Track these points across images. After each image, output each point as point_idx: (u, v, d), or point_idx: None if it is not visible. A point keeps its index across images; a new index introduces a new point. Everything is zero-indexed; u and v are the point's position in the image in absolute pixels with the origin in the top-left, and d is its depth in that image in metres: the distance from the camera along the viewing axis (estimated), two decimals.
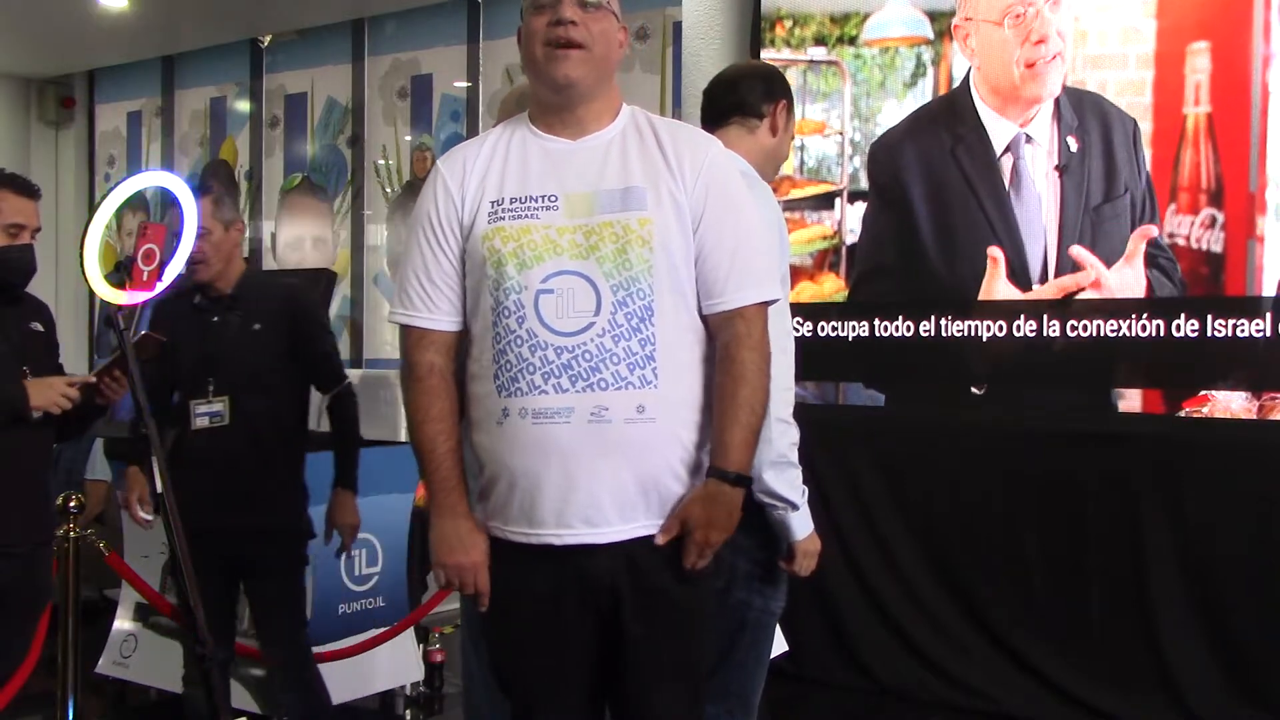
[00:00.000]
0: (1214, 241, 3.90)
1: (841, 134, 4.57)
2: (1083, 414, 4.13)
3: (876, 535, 4.45)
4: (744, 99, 2.47)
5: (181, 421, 3.08)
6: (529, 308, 1.93)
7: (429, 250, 2.02)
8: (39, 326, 2.88)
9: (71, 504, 3.31)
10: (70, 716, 3.39)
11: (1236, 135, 3.87)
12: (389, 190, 7.37)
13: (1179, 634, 3.93)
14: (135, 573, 3.68)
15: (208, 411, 3.05)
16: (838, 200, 4.56)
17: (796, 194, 4.61)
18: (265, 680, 3.16)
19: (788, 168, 4.53)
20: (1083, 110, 4.11)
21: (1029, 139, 4.19)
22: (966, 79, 4.32)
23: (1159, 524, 3.98)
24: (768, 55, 4.65)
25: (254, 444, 3.08)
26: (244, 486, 3.06)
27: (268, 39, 7.94)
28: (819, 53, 4.58)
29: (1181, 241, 3.95)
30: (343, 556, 3.97)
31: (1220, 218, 3.89)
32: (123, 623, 4.31)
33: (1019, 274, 4.19)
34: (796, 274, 4.53)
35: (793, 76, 4.57)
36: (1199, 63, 3.92)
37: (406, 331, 2.05)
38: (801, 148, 4.61)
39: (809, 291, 4.55)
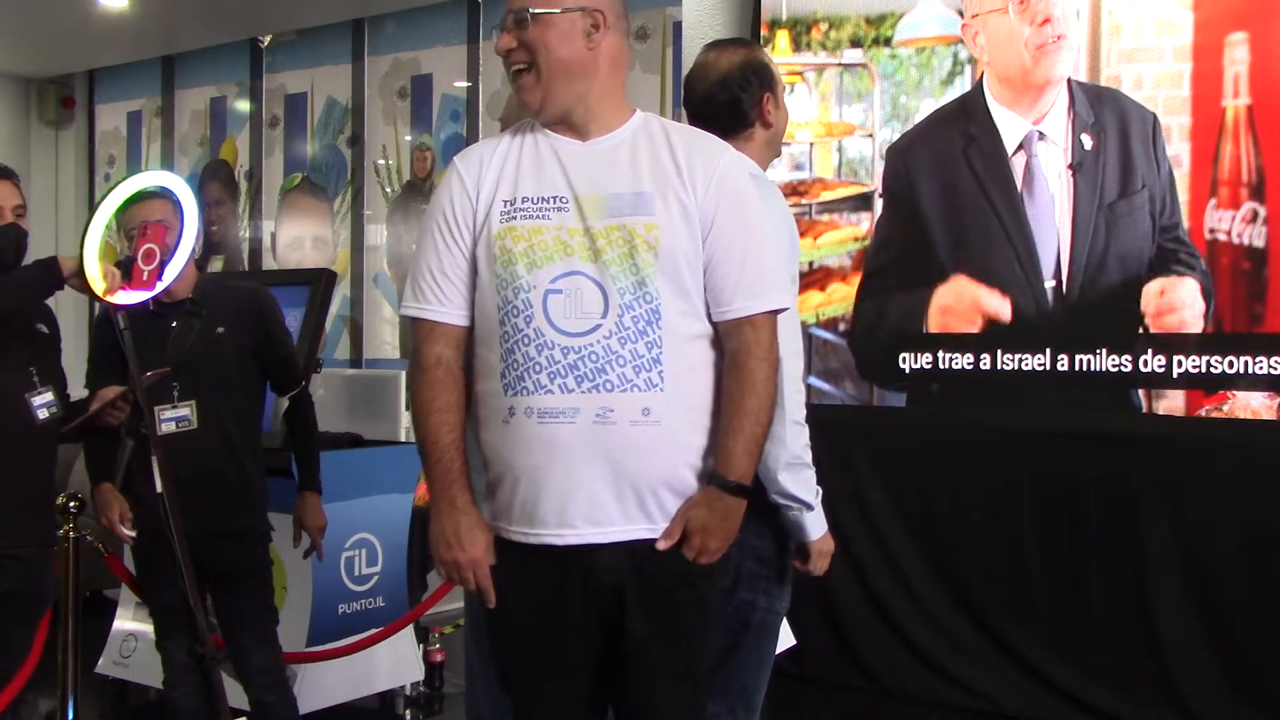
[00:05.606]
0: (1256, 236, 3.87)
1: (871, 135, 4.56)
2: (1083, 414, 4.13)
3: (878, 535, 4.45)
4: (727, 117, 2.40)
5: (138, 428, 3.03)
6: (537, 307, 1.93)
7: (442, 244, 2.02)
8: (44, 329, 2.88)
9: (71, 504, 3.31)
10: (70, 716, 3.39)
11: (1277, 127, 3.83)
12: (389, 190, 7.37)
13: (1179, 634, 3.93)
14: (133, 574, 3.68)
15: (174, 417, 3.00)
16: (875, 201, 4.53)
17: (828, 195, 4.61)
18: (244, 684, 3.15)
19: (825, 170, 4.58)
20: (1099, 105, 4.09)
21: (1042, 136, 4.18)
22: (980, 80, 4.32)
23: (1159, 524, 3.98)
24: (803, 58, 4.65)
25: (224, 447, 3.07)
26: (217, 490, 3.04)
27: (268, 39, 7.94)
28: (854, 55, 4.57)
29: (1223, 237, 3.91)
30: (341, 556, 4.00)
31: (1262, 211, 3.86)
32: (123, 623, 4.31)
33: (1030, 274, 4.18)
34: (829, 274, 4.56)
35: (828, 78, 4.60)
36: (1238, 54, 3.88)
37: (417, 324, 2.04)
38: (839, 149, 4.62)
39: (841, 292, 4.56)
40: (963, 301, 4.29)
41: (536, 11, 1.96)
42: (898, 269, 4.45)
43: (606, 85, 2.02)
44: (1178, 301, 3.97)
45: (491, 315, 1.98)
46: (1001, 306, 4.21)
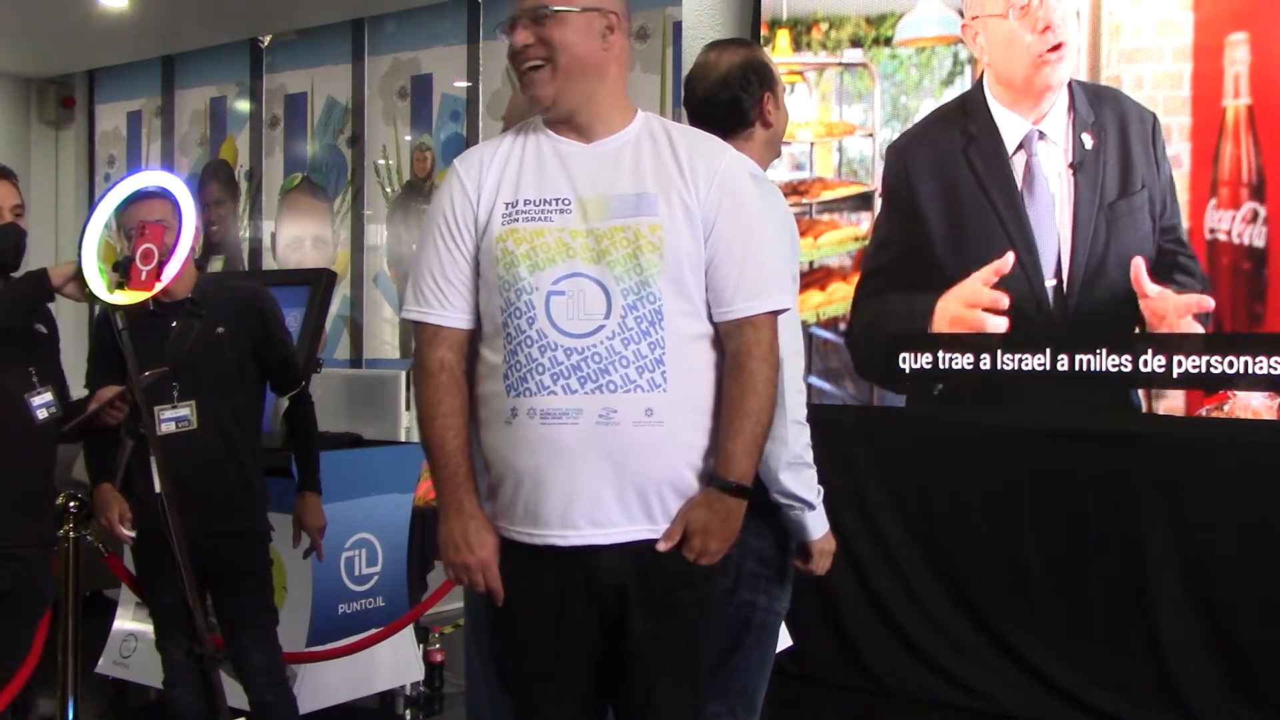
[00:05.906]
0: (1256, 236, 3.87)
1: (871, 135, 4.56)
2: (1083, 414, 4.12)
3: (878, 535, 4.45)
4: (728, 117, 2.40)
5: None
6: (540, 309, 1.93)
7: (444, 248, 2.02)
8: (43, 329, 2.88)
9: (71, 504, 3.31)
10: (70, 716, 3.39)
11: (1278, 127, 3.83)
12: (389, 190, 7.37)
13: (1179, 634, 3.93)
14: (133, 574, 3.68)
15: (174, 417, 2.99)
16: (875, 201, 4.53)
17: (828, 195, 4.61)
18: (244, 684, 3.15)
19: (825, 170, 4.59)
20: (1099, 105, 4.09)
21: (1042, 135, 4.18)
22: (980, 80, 4.31)
23: (1159, 524, 3.98)
24: (803, 58, 4.65)
25: (224, 447, 3.06)
26: (216, 490, 3.04)
27: (268, 39, 7.94)
28: (854, 55, 4.56)
29: (1223, 237, 3.90)
30: (342, 556, 4.00)
31: (1262, 211, 3.86)
32: (123, 623, 4.31)
33: (1031, 274, 4.18)
34: (830, 274, 4.56)
35: (828, 78, 4.61)
36: (1238, 54, 3.88)
37: (420, 328, 2.04)
38: (839, 149, 4.62)
39: (841, 292, 4.56)
40: (963, 318, 4.31)
41: (556, 9, 1.96)
42: (897, 269, 4.45)
43: (614, 86, 2.03)
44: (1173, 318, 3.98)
45: (494, 317, 1.97)
46: (999, 324, 4.22)
